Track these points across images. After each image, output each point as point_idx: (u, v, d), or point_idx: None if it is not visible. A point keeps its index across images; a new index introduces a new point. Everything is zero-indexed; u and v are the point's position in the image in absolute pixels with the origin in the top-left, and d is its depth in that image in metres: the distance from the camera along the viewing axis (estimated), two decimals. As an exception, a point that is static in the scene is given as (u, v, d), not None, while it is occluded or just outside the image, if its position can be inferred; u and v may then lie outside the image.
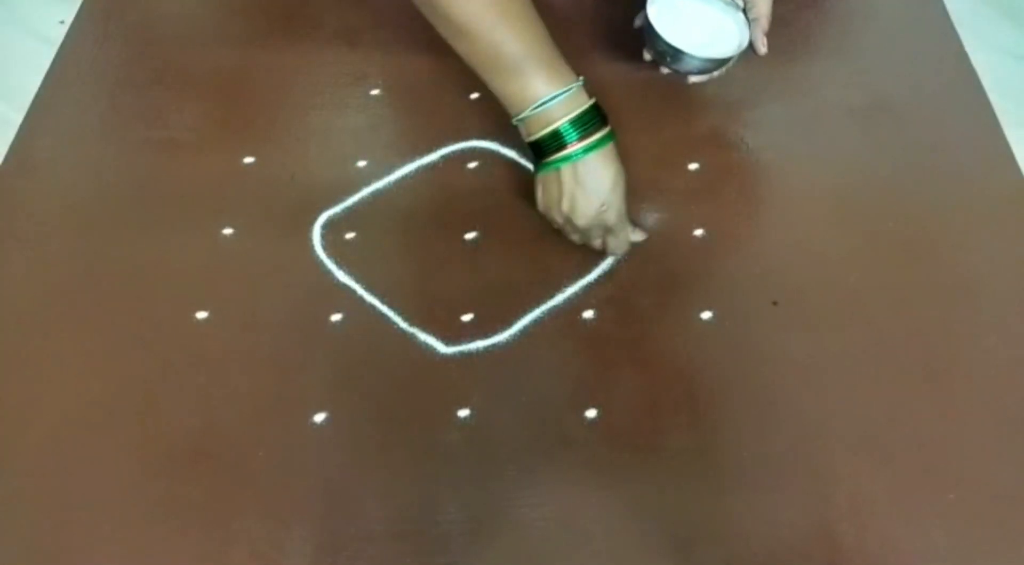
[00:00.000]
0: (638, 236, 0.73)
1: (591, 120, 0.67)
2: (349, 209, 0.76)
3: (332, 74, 0.87)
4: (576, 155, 0.67)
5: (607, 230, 0.71)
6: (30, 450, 0.64)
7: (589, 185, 0.68)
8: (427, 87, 0.85)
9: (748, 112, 0.83)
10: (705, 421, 0.64)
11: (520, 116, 0.68)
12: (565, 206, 0.69)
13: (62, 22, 0.92)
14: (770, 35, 0.76)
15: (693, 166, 0.79)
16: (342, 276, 0.72)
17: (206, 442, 0.64)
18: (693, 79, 0.79)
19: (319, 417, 0.65)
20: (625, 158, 0.69)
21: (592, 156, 0.67)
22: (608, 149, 0.68)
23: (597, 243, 0.72)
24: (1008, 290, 0.71)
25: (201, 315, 0.70)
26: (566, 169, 0.68)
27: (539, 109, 0.67)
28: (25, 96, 0.85)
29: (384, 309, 0.70)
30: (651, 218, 0.75)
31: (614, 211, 0.69)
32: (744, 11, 0.77)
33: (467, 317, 0.70)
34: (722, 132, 0.81)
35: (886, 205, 0.76)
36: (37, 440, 0.64)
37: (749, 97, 0.84)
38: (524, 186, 0.75)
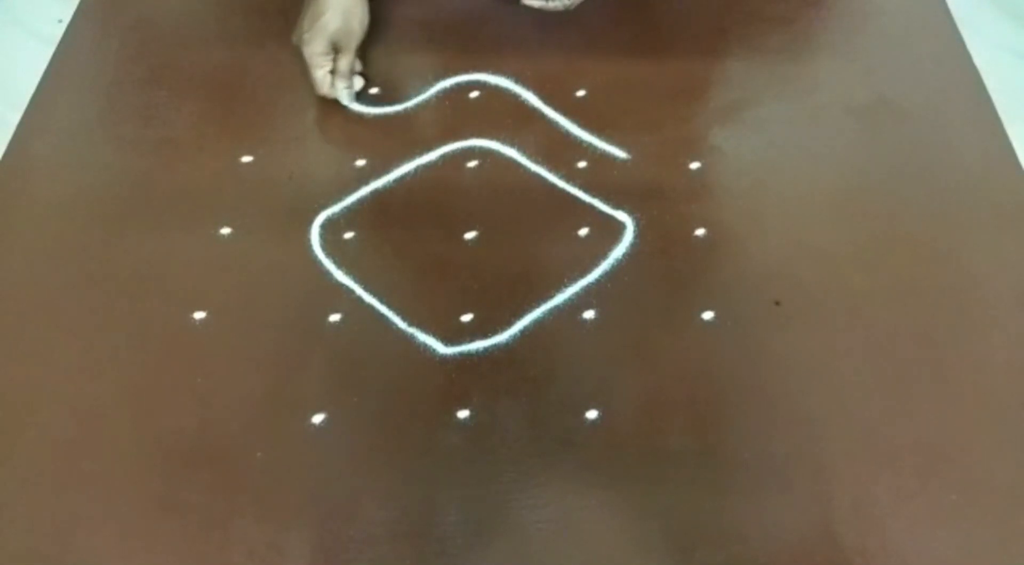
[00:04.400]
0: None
1: None
2: (348, 209, 0.76)
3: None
4: None
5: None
6: (26, 451, 0.63)
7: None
8: (427, 86, 0.85)
9: (750, 111, 0.82)
10: (706, 422, 0.64)
11: None
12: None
13: (60, 21, 0.92)
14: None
15: (695, 165, 0.78)
16: (341, 276, 0.72)
17: (203, 443, 0.63)
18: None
19: (317, 418, 0.64)
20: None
21: None
22: None
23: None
24: (1010, 290, 0.71)
25: (199, 315, 0.70)
26: None
27: None
28: (22, 95, 0.84)
29: (383, 309, 0.70)
30: (652, 218, 0.75)
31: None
32: None
33: (467, 317, 0.69)
34: (724, 131, 0.81)
35: (888, 204, 0.76)
36: (33, 441, 0.64)
37: (750, 96, 0.84)
38: (525, 185, 0.75)
